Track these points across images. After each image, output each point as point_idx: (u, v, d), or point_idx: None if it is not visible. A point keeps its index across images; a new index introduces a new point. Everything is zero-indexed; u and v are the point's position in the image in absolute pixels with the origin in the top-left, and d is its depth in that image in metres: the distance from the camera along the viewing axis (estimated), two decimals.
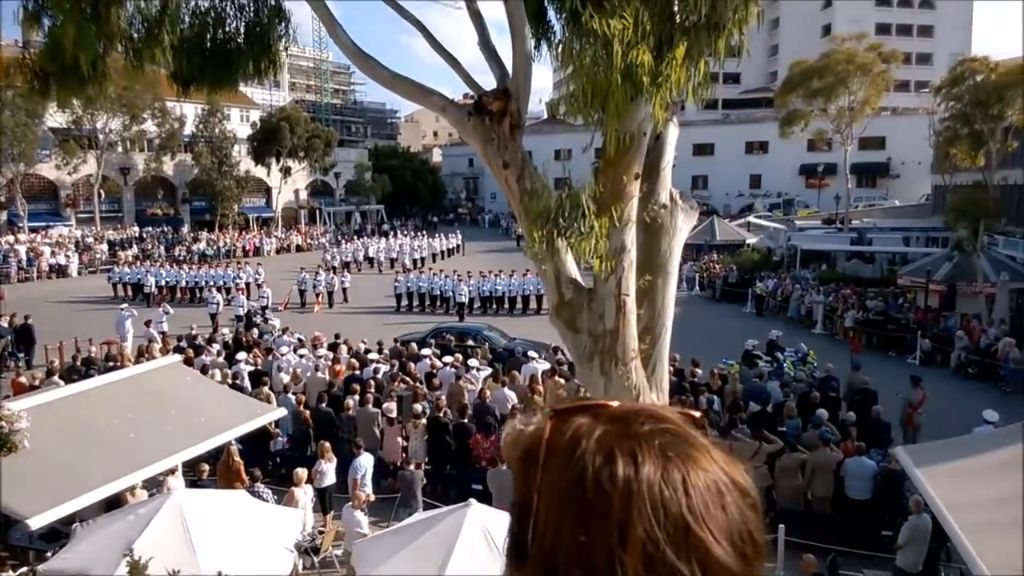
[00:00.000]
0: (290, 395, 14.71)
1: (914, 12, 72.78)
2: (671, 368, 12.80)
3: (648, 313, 6.57)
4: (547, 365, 16.62)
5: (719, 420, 13.39)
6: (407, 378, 15.75)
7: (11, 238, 41.89)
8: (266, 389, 14.60)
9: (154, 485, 10.43)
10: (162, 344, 19.72)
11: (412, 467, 11.87)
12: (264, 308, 27.33)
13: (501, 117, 6.21)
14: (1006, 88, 32.26)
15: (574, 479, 0.70)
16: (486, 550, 6.93)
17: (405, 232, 54.30)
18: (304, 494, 10.51)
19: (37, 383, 15.04)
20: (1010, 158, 35.52)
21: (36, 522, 7.60)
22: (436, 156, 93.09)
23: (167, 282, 32.65)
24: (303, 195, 63.08)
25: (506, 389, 14.67)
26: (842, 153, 45.29)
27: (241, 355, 17.38)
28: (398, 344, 19.31)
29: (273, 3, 7.30)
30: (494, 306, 29.41)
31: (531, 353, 17.71)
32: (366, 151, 73.07)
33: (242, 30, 7.25)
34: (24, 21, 6.49)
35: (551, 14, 6.50)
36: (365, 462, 11.61)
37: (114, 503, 9.19)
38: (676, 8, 5.38)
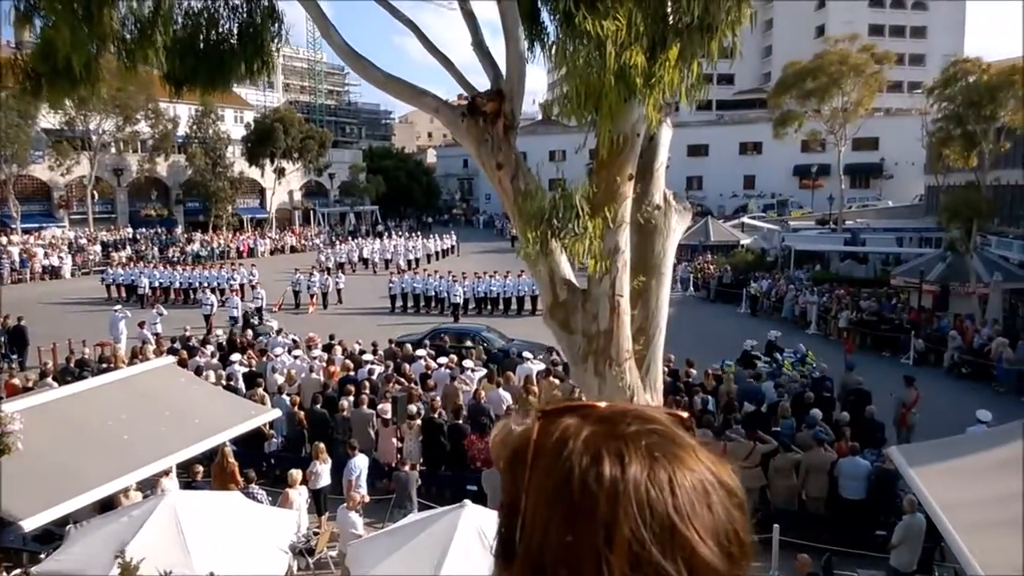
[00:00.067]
0: (284, 396, 14.66)
1: (907, 13, 73.25)
2: (665, 369, 12.86)
3: (642, 314, 6.59)
4: (542, 366, 16.62)
5: (713, 420, 13.37)
6: (402, 379, 15.76)
7: (4, 239, 41.64)
8: (260, 390, 14.57)
9: (148, 487, 10.41)
10: (156, 345, 19.63)
11: (407, 468, 11.84)
12: (259, 309, 27.28)
13: (495, 118, 6.21)
14: (998, 89, 32.37)
15: (561, 479, 0.71)
16: (481, 551, 6.92)
17: (400, 233, 54.19)
18: (299, 495, 10.49)
19: (30, 385, 14.98)
20: (1003, 159, 35.67)
21: (30, 524, 7.55)
22: (430, 157, 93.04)
23: (161, 283, 32.56)
24: (297, 196, 62.98)
25: (501, 390, 14.68)
26: (836, 154, 45.42)
27: (235, 356, 17.36)
28: (393, 345, 19.31)
29: (266, 4, 7.30)
30: (489, 307, 29.38)
31: (526, 354, 17.74)
32: (360, 152, 73.10)
33: (235, 31, 7.26)
34: (16, 22, 6.47)
35: (544, 15, 6.52)
36: (360, 463, 11.60)
37: (108, 505, 9.16)
38: (669, 9, 5.40)
